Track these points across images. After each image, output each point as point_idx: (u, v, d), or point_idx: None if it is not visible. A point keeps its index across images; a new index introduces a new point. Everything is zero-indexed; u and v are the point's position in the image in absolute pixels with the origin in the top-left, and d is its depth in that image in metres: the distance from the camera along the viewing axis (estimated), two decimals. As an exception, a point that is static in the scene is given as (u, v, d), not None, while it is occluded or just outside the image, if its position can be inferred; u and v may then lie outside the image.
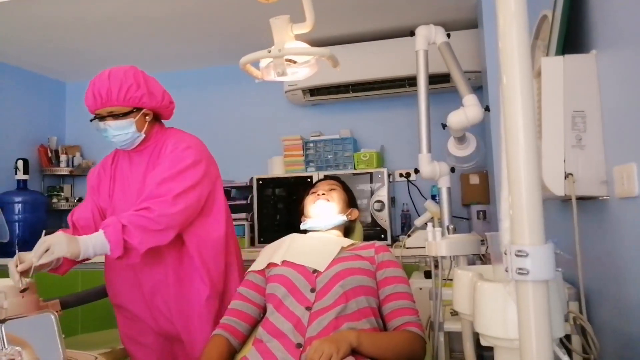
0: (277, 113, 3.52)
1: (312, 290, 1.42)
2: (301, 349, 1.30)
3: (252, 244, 3.07)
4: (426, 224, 1.54)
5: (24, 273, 1.36)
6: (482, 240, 1.66)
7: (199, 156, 1.70)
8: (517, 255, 0.65)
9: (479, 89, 2.77)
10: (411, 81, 2.95)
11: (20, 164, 3.29)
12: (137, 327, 1.79)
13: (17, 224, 3.21)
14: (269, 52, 1.30)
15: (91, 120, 1.71)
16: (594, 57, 1.22)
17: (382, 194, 2.85)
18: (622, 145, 1.11)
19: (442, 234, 1.46)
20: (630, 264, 1.09)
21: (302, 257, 1.51)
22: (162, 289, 1.71)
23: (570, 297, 1.29)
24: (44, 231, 1.49)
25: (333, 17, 2.84)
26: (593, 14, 1.25)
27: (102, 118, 1.67)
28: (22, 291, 1.24)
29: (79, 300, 2.20)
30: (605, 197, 1.19)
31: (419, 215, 2.61)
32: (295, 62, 1.37)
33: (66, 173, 3.64)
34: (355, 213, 1.74)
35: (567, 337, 1.23)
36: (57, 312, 1.12)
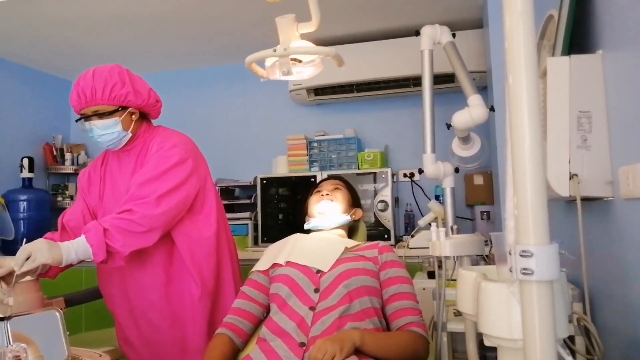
0: (282, 112, 3.52)
1: (316, 290, 1.42)
2: (304, 348, 1.30)
3: (255, 243, 3.07)
4: (430, 224, 1.54)
5: (5, 279, 1.36)
6: (486, 241, 1.66)
7: (185, 154, 1.69)
8: (521, 256, 0.65)
9: (483, 89, 2.76)
10: (416, 81, 2.95)
11: (25, 162, 3.31)
12: (126, 330, 1.79)
13: (22, 221, 3.23)
14: (275, 51, 1.30)
15: (76, 121, 1.70)
16: (600, 58, 1.22)
17: (386, 194, 2.84)
18: (627, 146, 1.10)
19: (446, 234, 1.46)
20: (635, 265, 1.09)
21: (306, 257, 1.51)
22: (151, 292, 1.70)
23: (575, 298, 1.29)
24: (24, 240, 1.50)
25: (339, 17, 2.84)
26: (599, 14, 1.24)
27: (87, 118, 1.65)
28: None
29: (82, 298, 2.21)
30: (610, 198, 1.19)
31: (422, 216, 2.61)
32: (300, 61, 1.37)
33: (71, 171, 3.66)
34: (359, 213, 1.74)
35: (571, 338, 1.22)
36: (61, 309, 1.13)
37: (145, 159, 1.71)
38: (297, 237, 1.64)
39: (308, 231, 1.70)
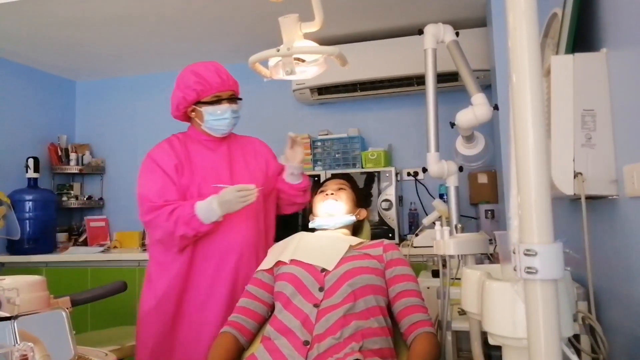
0: (285, 112, 3.52)
1: (321, 289, 1.42)
2: (308, 346, 1.30)
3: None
4: (434, 223, 1.54)
5: None
6: (490, 240, 1.65)
7: None
8: (525, 254, 0.65)
9: (487, 87, 2.76)
10: (419, 80, 2.94)
11: (31, 162, 3.32)
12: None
13: (28, 221, 3.24)
14: (278, 50, 1.31)
15: (211, 103, 1.79)
16: (604, 56, 1.21)
17: (390, 193, 2.84)
18: (632, 144, 1.10)
19: (450, 233, 1.45)
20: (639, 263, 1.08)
21: (310, 255, 1.51)
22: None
23: (580, 297, 1.28)
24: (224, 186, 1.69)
25: (342, 16, 2.83)
26: (603, 12, 1.24)
27: (220, 100, 1.79)
28: None
29: (88, 297, 2.22)
30: (614, 197, 1.18)
31: (426, 214, 2.60)
32: (303, 60, 1.37)
33: (76, 171, 3.68)
34: (363, 213, 1.74)
35: (576, 336, 1.22)
36: (67, 309, 1.13)
37: (244, 149, 1.95)
38: (301, 235, 1.64)
39: (313, 230, 1.70)
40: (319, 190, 1.75)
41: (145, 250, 3.32)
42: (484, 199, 2.91)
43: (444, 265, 1.55)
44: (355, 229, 1.76)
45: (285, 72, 1.33)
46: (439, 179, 1.80)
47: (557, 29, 1.39)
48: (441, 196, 2.88)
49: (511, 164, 0.73)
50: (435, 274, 2.06)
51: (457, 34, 1.77)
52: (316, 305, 1.38)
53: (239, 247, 1.75)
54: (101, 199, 3.82)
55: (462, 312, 1.49)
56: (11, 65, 3.43)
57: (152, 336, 1.76)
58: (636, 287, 1.11)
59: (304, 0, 1.36)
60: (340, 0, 2.63)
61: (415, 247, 2.56)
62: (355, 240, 1.60)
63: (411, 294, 1.43)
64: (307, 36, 1.36)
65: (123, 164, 3.81)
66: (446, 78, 2.77)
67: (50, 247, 3.37)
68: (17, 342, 0.87)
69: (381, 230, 2.79)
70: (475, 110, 1.63)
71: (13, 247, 3.21)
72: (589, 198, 1.20)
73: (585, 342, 1.22)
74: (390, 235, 2.79)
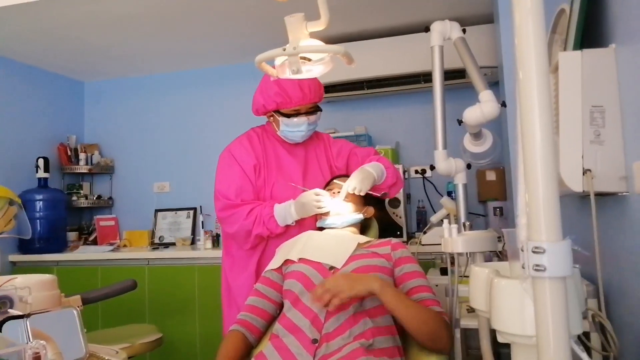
0: (292, 110, 3.52)
1: (329, 287, 1.42)
2: (317, 344, 1.31)
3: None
4: (442, 220, 1.54)
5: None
6: (499, 237, 1.65)
7: None
8: (533, 252, 0.65)
9: (495, 84, 2.74)
10: (426, 77, 2.93)
11: (41, 162, 3.36)
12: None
13: (38, 221, 3.28)
14: (284, 50, 1.30)
15: (288, 116, 1.78)
16: (612, 52, 1.20)
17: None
18: (642, 141, 1.09)
19: (458, 231, 1.45)
20: (650, 260, 1.08)
21: (318, 254, 1.51)
22: None
23: (590, 294, 1.28)
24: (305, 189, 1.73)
25: (348, 14, 2.83)
26: (611, 7, 1.23)
27: (299, 113, 1.77)
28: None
29: (99, 296, 2.24)
30: (624, 193, 1.17)
31: (434, 212, 2.60)
32: (310, 59, 1.37)
33: (85, 171, 3.71)
34: (370, 211, 1.74)
35: (587, 334, 1.21)
36: (78, 307, 1.14)
37: (317, 148, 1.91)
38: (309, 234, 1.65)
39: (320, 228, 1.70)
40: (327, 188, 1.75)
41: (155, 248, 3.34)
42: (492, 196, 2.90)
43: (452, 263, 1.55)
44: (363, 227, 1.76)
45: (291, 71, 1.33)
46: (447, 177, 1.80)
47: (564, 25, 1.38)
48: (449, 194, 2.87)
49: (519, 161, 0.73)
50: (444, 271, 2.06)
51: (464, 30, 1.76)
52: (325, 305, 1.38)
53: None
54: (110, 198, 3.85)
55: (471, 310, 1.49)
56: (21, 66, 3.46)
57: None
58: (646, 284, 1.10)
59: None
60: (347, -2, 2.62)
61: (423, 244, 2.56)
62: (363, 238, 1.60)
63: (423, 289, 1.42)
64: (313, 35, 1.36)
65: (132, 163, 3.84)
66: (453, 75, 2.76)
67: (61, 246, 3.40)
68: (29, 340, 0.88)
69: (389, 228, 2.79)
70: (482, 108, 1.62)
71: (24, 247, 3.24)
72: (598, 195, 1.20)
73: (595, 339, 1.21)
74: (398, 233, 2.79)
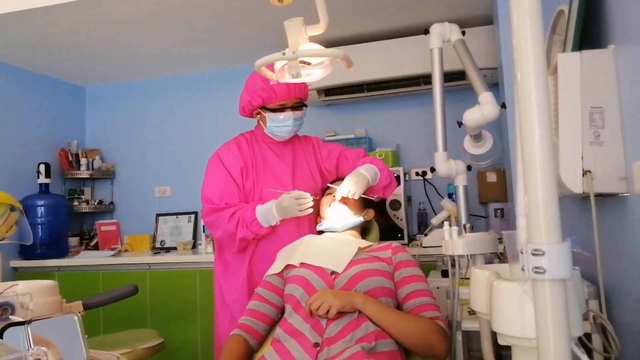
0: (292, 114, 3.52)
1: (330, 291, 1.42)
2: (318, 348, 1.30)
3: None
4: (443, 222, 1.54)
5: None
6: (500, 239, 1.65)
7: None
8: (533, 254, 0.65)
9: (495, 85, 2.74)
10: (426, 79, 2.94)
11: (42, 167, 3.36)
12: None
13: (39, 226, 3.28)
14: (284, 54, 1.31)
15: (274, 111, 1.80)
16: (611, 52, 1.20)
17: (398, 193, 2.83)
18: (641, 141, 1.09)
19: (459, 233, 1.45)
20: (651, 261, 1.07)
21: (319, 258, 1.51)
22: None
23: (590, 296, 1.27)
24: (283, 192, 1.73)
25: (347, 17, 2.84)
26: (610, 8, 1.23)
27: (284, 108, 1.79)
28: None
29: (100, 301, 2.24)
30: (624, 194, 1.17)
31: (435, 214, 2.60)
32: (309, 63, 1.37)
33: (86, 176, 3.71)
34: (371, 213, 1.74)
35: (588, 336, 1.21)
36: (79, 312, 1.14)
37: (305, 150, 1.94)
38: (309, 238, 1.65)
39: (320, 232, 1.70)
40: (326, 193, 1.75)
41: (156, 253, 3.34)
42: (493, 197, 2.89)
43: (453, 265, 1.55)
44: (364, 229, 1.76)
45: (291, 75, 1.33)
46: (447, 179, 1.80)
47: (563, 26, 1.38)
48: (450, 195, 2.87)
49: (518, 163, 0.73)
50: (445, 274, 2.06)
51: (463, 32, 1.76)
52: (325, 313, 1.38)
53: None
54: (112, 203, 3.85)
55: (472, 312, 1.49)
56: (22, 72, 3.47)
57: (223, 331, 1.83)
58: (648, 285, 1.10)
59: (309, 3, 1.36)
60: (346, 1, 2.63)
61: (424, 247, 2.55)
62: (364, 242, 1.60)
63: (422, 293, 1.42)
64: (312, 39, 1.37)
65: (133, 168, 3.85)
66: (453, 77, 2.76)
67: (62, 251, 3.40)
68: (30, 347, 0.88)
69: (390, 231, 2.79)
70: (482, 109, 1.62)
71: (26, 252, 3.25)
72: (598, 196, 1.19)
73: (596, 341, 1.21)
74: (399, 235, 2.79)
